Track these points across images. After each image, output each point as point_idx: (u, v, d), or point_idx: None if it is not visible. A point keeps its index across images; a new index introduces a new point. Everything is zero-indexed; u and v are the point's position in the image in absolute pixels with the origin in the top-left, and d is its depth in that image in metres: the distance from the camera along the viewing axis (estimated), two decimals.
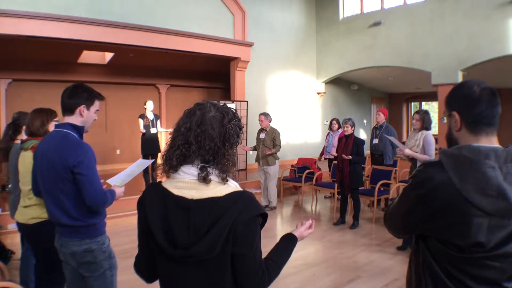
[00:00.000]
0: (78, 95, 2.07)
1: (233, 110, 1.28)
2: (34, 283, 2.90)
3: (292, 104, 10.77)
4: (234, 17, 9.21)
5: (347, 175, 5.62)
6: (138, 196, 1.26)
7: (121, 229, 5.16)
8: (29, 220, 2.54)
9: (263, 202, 6.81)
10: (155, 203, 1.18)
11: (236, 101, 9.08)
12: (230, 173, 1.21)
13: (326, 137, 7.78)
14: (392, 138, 5.30)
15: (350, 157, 5.52)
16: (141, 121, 7.06)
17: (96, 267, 2.06)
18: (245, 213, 1.14)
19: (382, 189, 6.05)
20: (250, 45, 9.40)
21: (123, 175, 2.28)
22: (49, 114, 2.71)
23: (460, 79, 8.14)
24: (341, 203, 5.94)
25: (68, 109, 2.08)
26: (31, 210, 2.55)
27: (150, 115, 7.15)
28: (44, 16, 6.35)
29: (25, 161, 2.60)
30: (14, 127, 3.36)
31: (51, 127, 2.61)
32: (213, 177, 1.17)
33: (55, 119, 2.70)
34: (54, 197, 2.02)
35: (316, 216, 6.61)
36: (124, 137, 10.10)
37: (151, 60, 9.35)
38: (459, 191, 1.08)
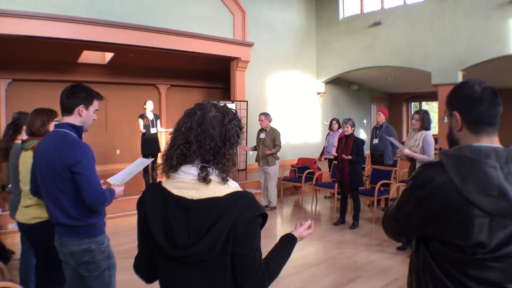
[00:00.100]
0: (77, 95, 2.07)
1: (234, 110, 1.28)
2: (34, 283, 2.90)
3: (292, 104, 10.77)
4: (234, 17, 9.21)
5: (347, 175, 5.62)
6: (138, 196, 1.26)
7: (121, 229, 5.16)
8: (30, 220, 2.55)
9: (263, 202, 6.81)
10: (155, 203, 1.18)
11: (236, 101, 9.07)
12: (230, 173, 1.21)
13: (326, 137, 7.78)
14: (391, 139, 5.29)
15: (350, 157, 5.52)
16: (141, 121, 7.06)
17: (94, 267, 2.06)
18: (245, 213, 1.14)
19: (382, 189, 6.05)
20: (250, 45, 9.40)
21: (123, 174, 2.28)
22: (50, 114, 2.72)
23: (460, 79, 8.14)
24: (341, 203, 5.94)
25: (67, 109, 2.08)
26: (32, 210, 2.55)
27: (150, 115, 7.15)
28: (44, 16, 6.35)
29: (26, 161, 2.60)
30: (14, 127, 3.36)
31: (52, 127, 2.61)
32: (213, 177, 1.17)
33: (56, 119, 2.70)
34: (53, 196, 2.02)
35: (316, 216, 6.61)
36: (124, 137, 10.10)
37: (151, 60, 9.35)
38: (460, 192, 1.07)
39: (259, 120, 6.71)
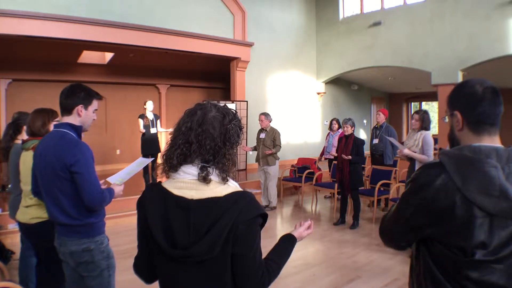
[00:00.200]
0: (76, 95, 2.07)
1: (234, 110, 1.28)
2: (33, 283, 2.90)
3: (292, 104, 10.77)
4: (234, 17, 9.21)
5: (347, 175, 5.62)
6: (138, 196, 1.25)
7: (121, 229, 5.15)
8: (31, 219, 2.55)
9: (263, 202, 6.81)
10: (155, 203, 1.18)
11: (236, 101, 9.07)
12: (230, 173, 1.21)
13: (326, 137, 7.77)
14: (391, 139, 5.28)
15: (350, 157, 5.52)
16: (141, 121, 7.06)
17: (93, 267, 2.06)
18: (245, 213, 1.13)
19: (382, 189, 6.05)
20: (250, 45, 9.39)
21: (123, 173, 2.29)
22: (50, 114, 2.72)
23: (460, 79, 8.14)
24: (341, 203, 5.94)
25: (66, 109, 2.08)
26: (33, 210, 2.55)
27: (150, 115, 7.15)
28: (44, 16, 6.35)
29: (27, 161, 2.60)
30: (14, 127, 3.35)
31: (52, 127, 2.61)
32: (213, 177, 1.17)
33: (56, 119, 2.71)
34: (53, 196, 2.02)
35: (316, 216, 6.61)
36: (124, 137, 10.10)
37: (151, 60, 9.35)
38: (461, 192, 1.07)
39: (259, 120, 6.71)
